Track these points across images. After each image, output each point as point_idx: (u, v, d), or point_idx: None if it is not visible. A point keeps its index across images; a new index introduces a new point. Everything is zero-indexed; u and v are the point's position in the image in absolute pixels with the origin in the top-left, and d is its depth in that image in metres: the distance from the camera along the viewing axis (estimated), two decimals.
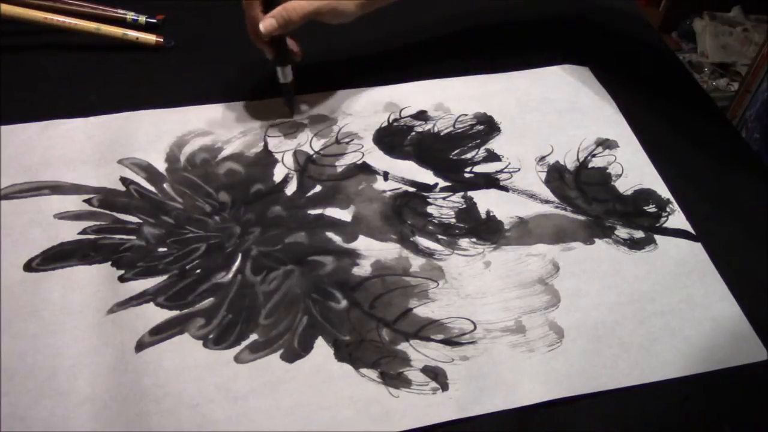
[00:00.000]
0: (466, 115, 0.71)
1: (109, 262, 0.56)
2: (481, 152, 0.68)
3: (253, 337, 0.52)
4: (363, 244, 0.59)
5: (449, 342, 0.53)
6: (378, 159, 0.66)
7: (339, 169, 0.65)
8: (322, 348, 0.52)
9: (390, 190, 0.63)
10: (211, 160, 0.64)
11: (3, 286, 0.54)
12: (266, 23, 0.61)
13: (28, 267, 0.55)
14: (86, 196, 0.60)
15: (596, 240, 0.61)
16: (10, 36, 0.74)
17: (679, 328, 0.55)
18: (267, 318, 0.53)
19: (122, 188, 0.61)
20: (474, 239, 0.60)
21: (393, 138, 0.68)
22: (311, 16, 0.62)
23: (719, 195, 0.66)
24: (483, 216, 0.62)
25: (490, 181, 0.65)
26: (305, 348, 0.52)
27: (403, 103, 0.71)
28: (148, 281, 0.55)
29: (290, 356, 0.51)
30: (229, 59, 0.75)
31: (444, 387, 0.50)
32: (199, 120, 0.68)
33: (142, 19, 0.77)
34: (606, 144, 0.69)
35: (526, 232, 0.61)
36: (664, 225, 0.63)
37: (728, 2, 1.94)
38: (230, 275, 0.56)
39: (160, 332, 0.52)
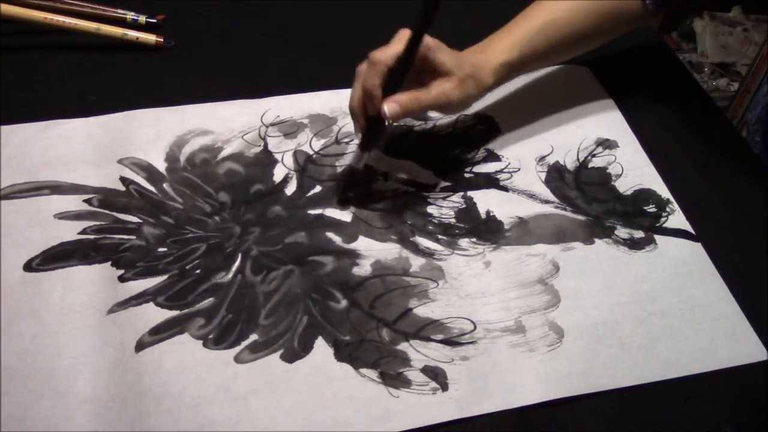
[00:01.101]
0: (466, 115, 0.71)
1: (109, 262, 0.56)
2: (481, 152, 0.68)
3: (253, 337, 0.52)
4: (363, 244, 0.59)
5: (449, 342, 0.53)
6: (378, 159, 0.66)
7: (339, 169, 0.65)
8: (322, 348, 0.52)
9: (390, 191, 0.63)
10: (211, 160, 0.64)
11: (3, 286, 0.54)
12: (392, 108, 0.55)
13: (28, 267, 0.55)
14: (86, 196, 0.60)
15: (596, 240, 0.61)
16: (10, 36, 0.74)
17: (679, 328, 0.55)
18: (267, 318, 0.53)
19: (122, 188, 0.61)
20: (474, 239, 0.60)
21: (393, 138, 0.68)
22: (437, 109, 0.60)
23: (719, 195, 0.66)
24: (483, 216, 0.62)
25: (490, 181, 0.65)
26: (305, 348, 0.52)
27: None
28: (148, 281, 0.55)
29: (290, 356, 0.51)
30: (229, 59, 0.75)
31: (444, 387, 0.50)
32: (199, 119, 0.68)
33: (142, 19, 0.77)
34: (606, 144, 0.69)
35: (526, 232, 0.61)
36: (664, 225, 0.63)
37: (728, 2, 1.94)
38: (230, 275, 0.56)
39: (160, 332, 0.52)
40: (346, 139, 0.67)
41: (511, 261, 0.59)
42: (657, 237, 0.61)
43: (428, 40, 0.56)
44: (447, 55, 0.57)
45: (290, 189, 0.63)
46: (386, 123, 0.57)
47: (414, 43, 0.55)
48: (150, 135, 0.66)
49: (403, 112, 0.55)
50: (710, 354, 0.54)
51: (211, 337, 0.52)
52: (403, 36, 0.56)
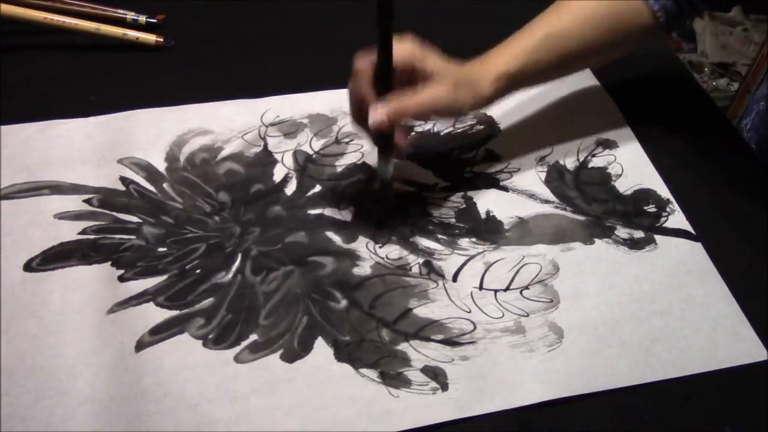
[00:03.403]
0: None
1: (109, 262, 0.56)
2: (481, 152, 0.68)
3: (253, 337, 0.52)
4: (363, 244, 0.59)
5: (449, 342, 0.53)
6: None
7: (339, 169, 0.65)
8: (322, 348, 0.52)
9: None
10: (211, 159, 0.64)
11: (3, 286, 0.54)
12: (376, 117, 0.53)
13: (28, 267, 0.55)
14: (86, 196, 0.60)
15: (596, 240, 0.61)
16: (10, 36, 0.74)
17: (679, 328, 0.55)
18: (267, 318, 0.53)
19: (122, 188, 0.61)
20: (474, 239, 0.60)
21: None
22: (427, 116, 0.56)
23: (719, 195, 0.66)
24: (483, 216, 0.62)
25: (490, 181, 0.65)
26: (305, 348, 0.52)
27: None
28: (148, 281, 0.55)
29: (290, 356, 0.51)
30: (229, 59, 0.75)
31: (444, 387, 0.50)
32: (199, 119, 0.68)
33: (142, 19, 0.77)
34: (606, 144, 0.69)
35: (526, 232, 0.61)
36: (664, 225, 0.63)
37: (728, 2, 1.94)
38: (230, 275, 0.56)
39: (160, 332, 0.52)
40: (346, 139, 0.67)
41: (511, 261, 0.59)
42: (657, 237, 0.61)
43: (416, 50, 0.54)
44: (435, 62, 0.54)
45: (290, 189, 0.63)
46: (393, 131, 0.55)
47: (384, 41, 0.52)
48: (150, 135, 0.66)
49: (390, 120, 0.53)
50: (710, 354, 0.54)
51: (211, 337, 0.52)
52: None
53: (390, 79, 0.53)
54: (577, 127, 0.71)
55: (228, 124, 0.68)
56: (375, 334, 0.53)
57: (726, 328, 0.55)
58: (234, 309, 0.54)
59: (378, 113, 0.53)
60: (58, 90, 0.70)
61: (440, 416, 0.49)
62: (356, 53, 0.54)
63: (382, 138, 0.56)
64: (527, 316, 0.55)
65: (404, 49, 0.53)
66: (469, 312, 0.55)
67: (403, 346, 0.53)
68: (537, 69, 0.60)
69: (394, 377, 0.51)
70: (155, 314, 0.53)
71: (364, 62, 0.54)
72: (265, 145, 0.66)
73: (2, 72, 0.71)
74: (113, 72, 0.73)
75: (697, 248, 0.61)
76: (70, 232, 0.58)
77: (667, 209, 0.64)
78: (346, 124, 0.69)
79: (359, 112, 0.55)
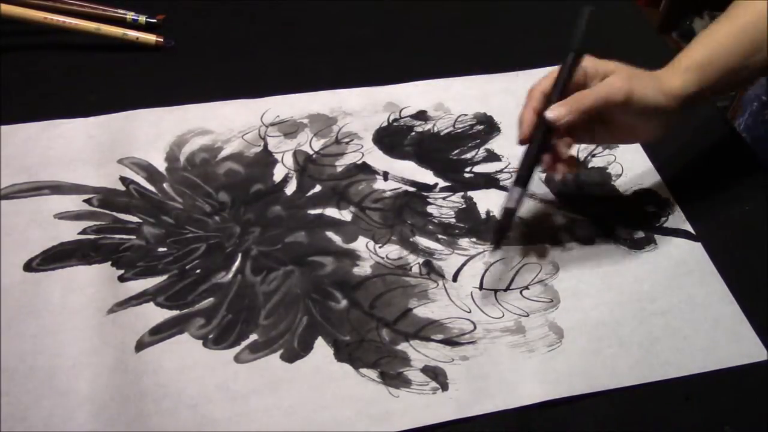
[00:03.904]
0: (466, 115, 0.71)
1: (109, 262, 0.56)
2: (481, 152, 0.68)
3: (253, 337, 0.52)
4: (363, 244, 0.59)
5: (449, 342, 0.53)
6: (378, 159, 0.66)
7: (339, 169, 0.65)
8: (322, 348, 0.52)
9: (390, 190, 0.63)
10: (211, 159, 0.64)
11: (3, 286, 0.54)
12: (555, 111, 0.51)
13: (28, 267, 0.55)
14: (86, 196, 0.60)
15: (596, 240, 0.61)
16: (10, 36, 0.74)
17: (679, 328, 0.55)
18: (267, 318, 0.53)
19: (122, 188, 0.61)
20: (474, 239, 0.60)
21: (393, 138, 0.68)
22: (601, 106, 0.53)
23: (719, 195, 0.66)
24: (483, 216, 0.62)
25: (490, 181, 0.65)
26: (305, 348, 0.52)
27: (403, 103, 0.71)
28: (148, 281, 0.55)
29: (290, 356, 0.51)
30: (229, 59, 0.75)
31: (444, 387, 0.50)
32: (199, 119, 0.68)
33: (142, 19, 0.77)
34: (606, 144, 0.69)
35: (526, 232, 0.61)
36: (664, 225, 0.63)
37: (728, 2, 1.94)
38: (230, 275, 0.56)
39: (160, 332, 0.52)
40: (346, 139, 0.67)
41: (511, 261, 0.59)
42: (657, 237, 0.61)
43: (589, 59, 0.54)
44: (609, 63, 0.54)
45: (290, 189, 0.63)
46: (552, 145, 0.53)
47: (571, 66, 0.53)
48: (150, 135, 0.66)
49: (568, 112, 0.51)
50: (710, 354, 0.54)
51: (211, 337, 0.52)
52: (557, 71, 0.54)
53: (564, 89, 0.53)
54: None
55: (228, 124, 0.68)
56: (375, 334, 0.53)
57: (726, 328, 0.55)
58: (234, 309, 0.54)
59: (556, 108, 0.51)
60: (58, 90, 0.70)
61: (440, 416, 0.49)
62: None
63: (539, 148, 0.53)
64: (527, 316, 0.55)
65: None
66: (469, 312, 0.55)
67: (403, 346, 0.53)
68: (728, 59, 0.55)
69: (394, 377, 0.51)
70: (155, 314, 0.53)
71: (540, 84, 0.54)
72: (265, 145, 0.66)
73: (2, 72, 0.71)
74: (113, 72, 0.73)
75: (697, 248, 0.61)
76: (70, 232, 0.58)
77: (667, 209, 0.64)
78: (346, 124, 0.69)
79: (529, 119, 0.54)
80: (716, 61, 0.55)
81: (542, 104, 0.53)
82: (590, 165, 0.67)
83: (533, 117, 0.53)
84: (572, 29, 0.53)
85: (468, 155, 0.67)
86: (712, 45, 0.56)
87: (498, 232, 0.57)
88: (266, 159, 0.65)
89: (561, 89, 0.53)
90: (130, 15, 0.77)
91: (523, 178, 0.54)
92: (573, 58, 0.53)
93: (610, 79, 0.53)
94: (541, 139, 0.53)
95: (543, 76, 0.55)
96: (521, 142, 0.54)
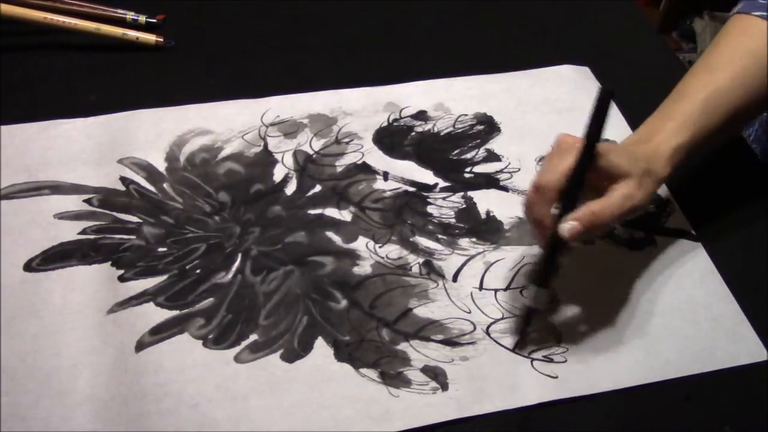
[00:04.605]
0: (466, 115, 0.71)
1: (109, 262, 0.56)
2: (481, 152, 0.68)
3: (253, 337, 0.52)
4: (363, 244, 0.59)
5: (449, 342, 0.53)
6: (378, 159, 0.66)
7: (339, 169, 0.65)
8: (322, 348, 0.52)
9: (390, 190, 0.63)
10: (211, 159, 0.64)
11: (3, 286, 0.54)
12: (571, 228, 0.49)
13: (28, 267, 0.55)
14: (86, 196, 0.60)
15: (596, 240, 0.61)
16: (10, 36, 0.74)
17: (679, 328, 0.55)
18: (267, 318, 0.53)
19: (122, 188, 0.61)
20: (474, 239, 0.60)
21: (393, 138, 0.68)
22: (623, 219, 0.52)
23: (719, 195, 0.66)
24: (483, 216, 0.62)
25: (490, 181, 0.65)
26: (305, 348, 0.52)
27: (403, 103, 0.71)
28: (148, 281, 0.55)
29: (290, 356, 0.51)
30: (229, 59, 0.75)
31: (444, 387, 0.50)
32: (199, 119, 0.68)
33: (142, 19, 0.77)
34: None
35: (526, 232, 0.61)
36: (664, 225, 0.63)
37: (728, 2, 1.94)
38: (230, 275, 0.56)
39: (160, 332, 0.52)
40: (346, 139, 0.67)
41: (511, 261, 0.59)
42: (657, 237, 0.61)
43: (600, 147, 0.50)
44: (620, 156, 0.51)
45: (290, 189, 0.63)
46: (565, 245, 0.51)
47: (586, 157, 0.49)
48: (150, 135, 0.66)
49: (586, 229, 0.49)
50: (710, 354, 0.54)
51: (211, 337, 0.52)
52: (566, 146, 0.51)
53: (581, 190, 0.50)
54: (577, 127, 0.70)
55: (228, 124, 0.68)
56: (375, 333, 0.53)
57: (726, 328, 0.55)
58: (234, 309, 0.54)
59: (572, 223, 0.49)
60: (58, 90, 0.70)
61: (440, 416, 0.49)
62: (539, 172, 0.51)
63: (554, 252, 0.51)
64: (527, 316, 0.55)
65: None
66: (469, 312, 0.55)
67: (403, 346, 0.53)
68: (707, 133, 0.55)
69: (394, 377, 0.51)
70: (155, 314, 0.53)
71: (550, 178, 0.50)
72: (266, 145, 0.66)
73: (2, 72, 0.71)
74: (113, 72, 0.73)
75: (697, 248, 0.61)
76: (70, 232, 0.58)
77: (667, 209, 0.64)
78: (346, 124, 0.69)
79: (540, 229, 0.51)
80: (699, 140, 0.55)
81: (554, 199, 0.50)
82: None
83: (550, 216, 0.50)
84: (590, 113, 0.50)
85: (468, 155, 0.67)
86: (692, 124, 0.55)
87: (521, 332, 0.53)
88: (266, 159, 0.65)
89: (577, 181, 0.49)
90: (130, 15, 0.77)
91: (543, 277, 0.51)
92: (590, 147, 0.49)
93: (628, 191, 0.50)
94: (555, 233, 0.50)
95: (547, 165, 0.51)
96: (542, 247, 0.52)
